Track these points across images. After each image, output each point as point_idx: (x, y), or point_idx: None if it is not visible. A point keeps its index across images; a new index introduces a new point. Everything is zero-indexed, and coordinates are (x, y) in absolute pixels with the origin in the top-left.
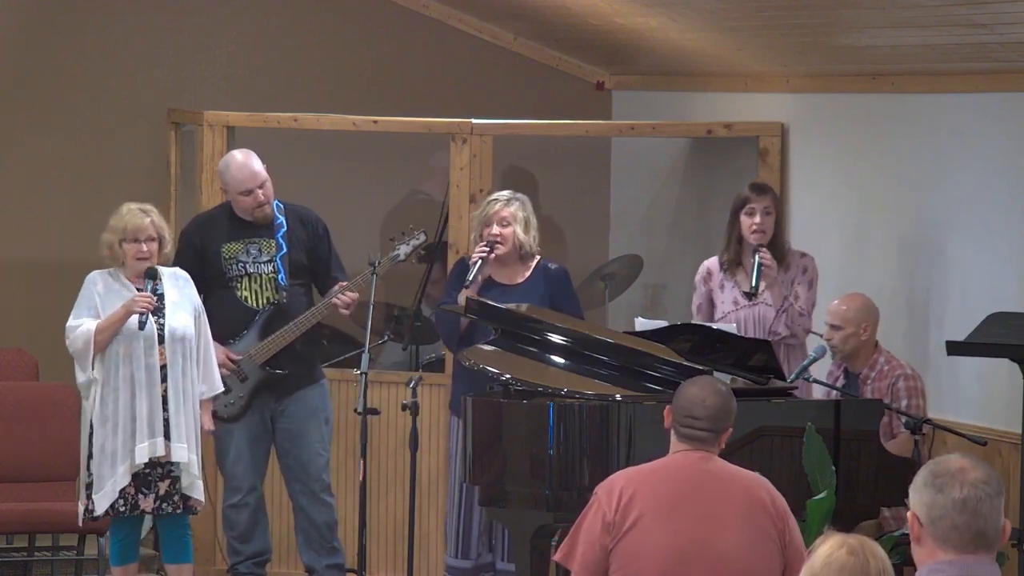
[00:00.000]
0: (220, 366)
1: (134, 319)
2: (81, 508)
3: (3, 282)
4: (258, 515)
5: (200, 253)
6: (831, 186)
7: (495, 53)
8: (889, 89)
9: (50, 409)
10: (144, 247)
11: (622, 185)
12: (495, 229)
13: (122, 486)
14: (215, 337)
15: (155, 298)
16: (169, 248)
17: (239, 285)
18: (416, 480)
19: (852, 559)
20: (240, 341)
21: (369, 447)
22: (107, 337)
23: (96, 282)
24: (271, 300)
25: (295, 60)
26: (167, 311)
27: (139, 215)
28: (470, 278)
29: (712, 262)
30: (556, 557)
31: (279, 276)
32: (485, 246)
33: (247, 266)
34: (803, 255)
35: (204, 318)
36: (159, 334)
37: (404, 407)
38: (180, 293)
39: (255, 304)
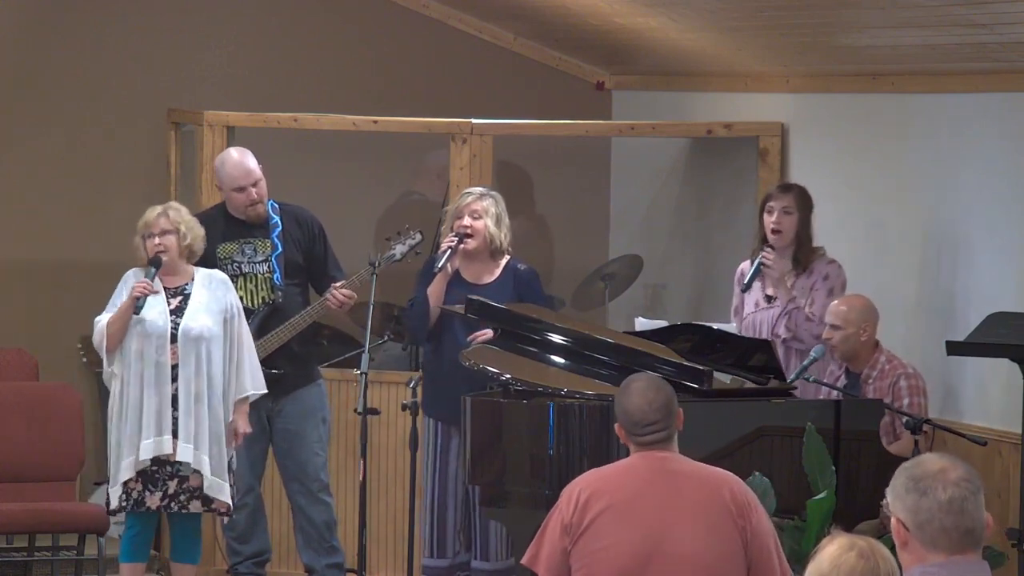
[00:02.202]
0: None
1: (151, 313)
2: (105, 498)
3: (3, 282)
4: (257, 515)
5: None
6: (831, 186)
7: (495, 53)
8: (889, 89)
9: (50, 409)
10: (158, 240)
11: (622, 185)
12: (466, 220)
13: (124, 479)
14: None
15: (153, 285)
16: (192, 240)
17: (234, 285)
18: (416, 480)
19: (863, 563)
20: None
21: (369, 447)
22: (118, 330)
23: (128, 279)
24: (267, 300)
25: (295, 60)
26: (188, 311)
27: (153, 210)
28: (439, 265)
29: (747, 264)
30: (523, 560)
31: (274, 276)
32: (455, 236)
33: (242, 266)
34: (831, 262)
35: (238, 320)
36: (172, 333)
37: (404, 407)
38: (210, 295)
39: (251, 304)
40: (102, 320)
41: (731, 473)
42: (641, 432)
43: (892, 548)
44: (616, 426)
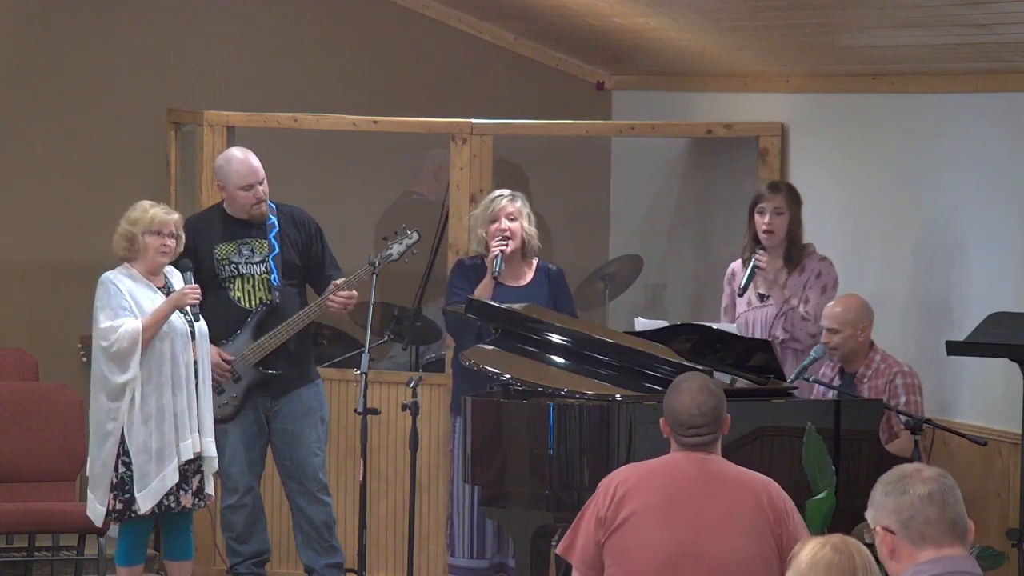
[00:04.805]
0: (214, 367)
1: (176, 313)
2: (101, 509)
3: (3, 282)
4: (256, 515)
5: (193, 254)
6: (831, 186)
7: (495, 53)
8: (889, 89)
9: (50, 409)
10: (167, 241)
11: (622, 185)
12: (504, 224)
13: (172, 483)
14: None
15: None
16: (180, 250)
17: (232, 286)
18: (416, 480)
19: (838, 556)
20: (233, 342)
21: (369, 447)
22: (153, 334)
23: (120, 281)
24: (264, 300)
25: (295, 60)
26: (189, 310)
27: (164, 211)
28: (497, 271)
29: (737, 263)
30: (558, 550)
31: (272, 276)
32: (502, 240)
33: (239, 267)
34: (822, 259)
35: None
36: (191, 331)
37: (404, 407)
38: None
39: (248, 304)
40: (124, 325)
41: (769, 478)
42: (685, 433)
43: None
44: (661, 420)
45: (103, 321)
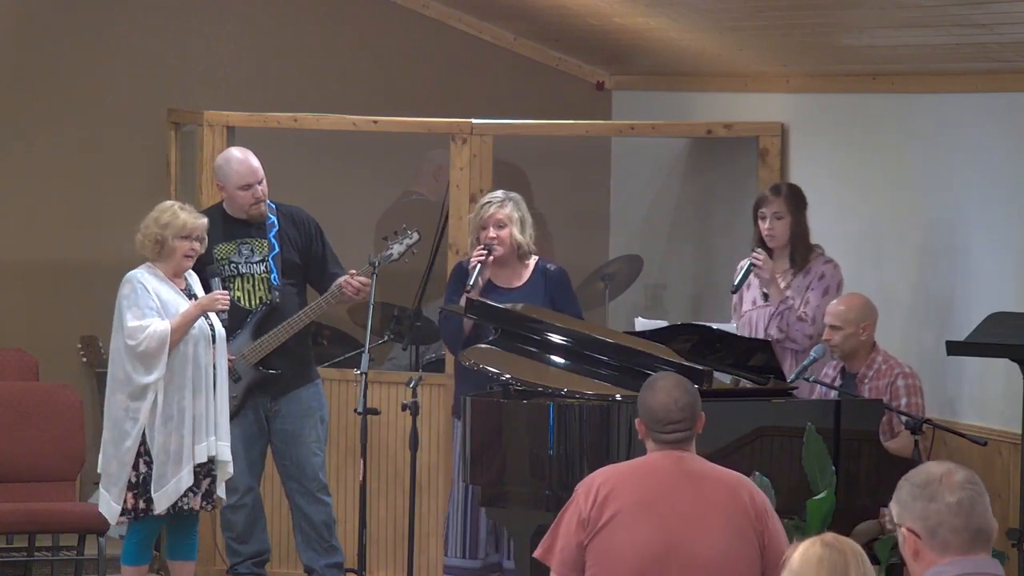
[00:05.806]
0: None
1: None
2: (116, 507)
3: (3, 282)
4: (256, 515)
5: None
6: (831, 186)
7: (495, 53)
8: (889, 89)
9: (50, 409)
10: (195, 245)
11: (622, 185)
12: (491, 232)
13: (187, 485)
14: None
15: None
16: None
17: (231, 285)
18: (416, 480)
19: (828, 551)
20: (233, 341)
21: (369, 447)
22: (180, 337)
23: (147, 280)
24: (264, 300)
25: (295, 60)
26: (217, 315)
27: (193, 215)
28: (471, 283)
29: (747, 261)
30: (536, 553)
31: (272, 276)
32: (483, 249)
33: (239, 266)
34: (827, 262)
35: None
36: (212, 335)
37: (404, 407)
38: (203, 295)
39: (248, 304)
40: (152, 326)
41: (745, 477)
42: (663, 430)
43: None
44: (637, 421)
45: (131, 320)
